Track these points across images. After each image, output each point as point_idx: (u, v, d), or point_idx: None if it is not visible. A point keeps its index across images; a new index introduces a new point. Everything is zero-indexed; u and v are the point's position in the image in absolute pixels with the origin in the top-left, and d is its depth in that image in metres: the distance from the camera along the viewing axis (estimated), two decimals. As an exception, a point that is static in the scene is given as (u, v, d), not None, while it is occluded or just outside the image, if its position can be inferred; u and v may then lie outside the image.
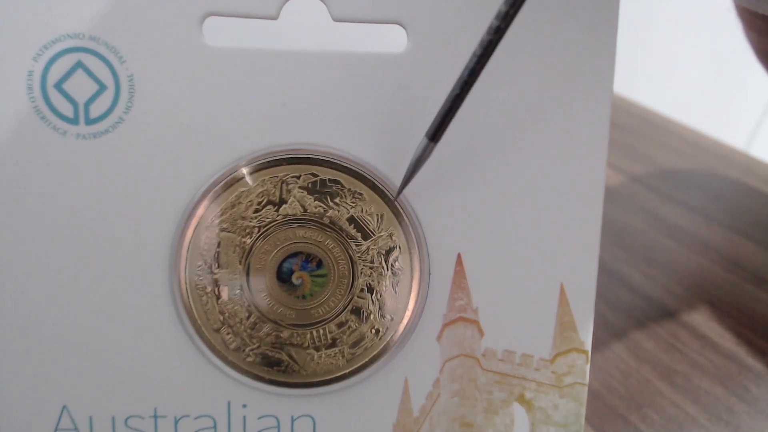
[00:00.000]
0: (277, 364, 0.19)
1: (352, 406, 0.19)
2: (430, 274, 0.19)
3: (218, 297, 0.18)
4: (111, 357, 0.18)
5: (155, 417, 0.19)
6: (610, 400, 0.27)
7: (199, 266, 0.18)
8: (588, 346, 0.20)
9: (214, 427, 0.19)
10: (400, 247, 0.19)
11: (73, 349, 0.18)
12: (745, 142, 1.02)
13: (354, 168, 0.18)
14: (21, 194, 0.18)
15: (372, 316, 0.19)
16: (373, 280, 0.19)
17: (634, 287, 0.33)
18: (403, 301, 0.19)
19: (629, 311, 0.32)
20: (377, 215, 0.19)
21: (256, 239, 0.18)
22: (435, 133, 0.17)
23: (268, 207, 0.18)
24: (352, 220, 0.19)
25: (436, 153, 0.18)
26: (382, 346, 0.19)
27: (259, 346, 0.19)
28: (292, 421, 0.19)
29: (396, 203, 0.19)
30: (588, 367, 0.20)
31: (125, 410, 0.19)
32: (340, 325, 0.19)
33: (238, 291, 0.19)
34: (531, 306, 0.19)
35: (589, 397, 0.21)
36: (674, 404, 0.27)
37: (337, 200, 0.19)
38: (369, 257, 0.19)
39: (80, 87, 0.17)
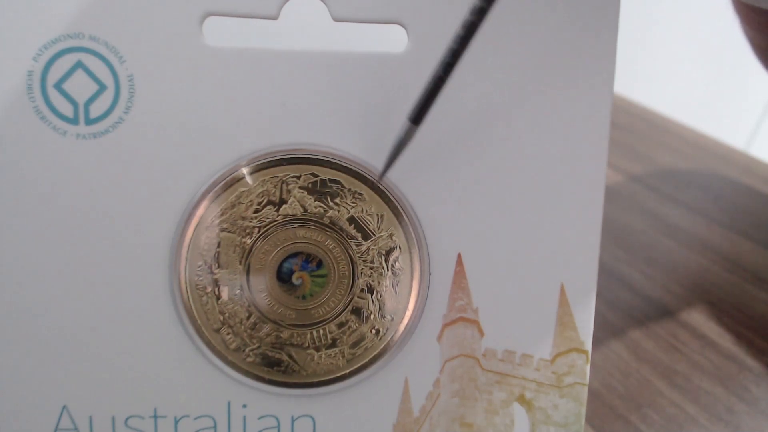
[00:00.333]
0: (277, 364, 0.19)
1: (352, 406, 0.19)
2: (430, 274, 0.19)
3: (218, 297, 0.18)
4: (111, 357, 0.18)
5: (155, 417, 0.19)
6: (610, 400, 0.27)
7: (199, 266, 0.18)
8: (588, 346, 0.20)
9: (214, 427, 0.19)
10: (400, 247, 0.19)
11: (73, 349, 0.18)
12: (745, 142, 1.02)
13: (354, 168, 0.18)
14: (21, 194, 0.18)
15: (372, 317, 0.19)
16: (373, 281, 0.19)
17: (634, 287, 0.33)
18: (403, 301, 0.19)
19: (629, 311, 0.32)
20: (377, 215, 0.19)
21: (256, 239, 0.18)
22: (417, 116, 0.17)
23: (269, 207, 0.18)
24: (352, 220, 0.19)
25: (437, 153, 0.18)
26: (382, 346, 0.19)
27: (259, 347, 0.19)
28: (292, 421, 0.19)
29: (396, 203, 0.19)
30: (588, 367, 0.20)
31: (125, 410, 0.19)
32: (340, 325, 0.19)
33: (238, 291, 0.19)
34: (531, 306, 0.19)
35: (589, 397, 0.21)
36: (674, 404, 0.27)
37: (337, 200, 0.19)
38: (369, 257, 0.19)
39: (80, 87, 0.17)
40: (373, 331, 0.19)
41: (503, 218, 0.19)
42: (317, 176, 0.18)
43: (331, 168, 0.18)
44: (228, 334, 0.19)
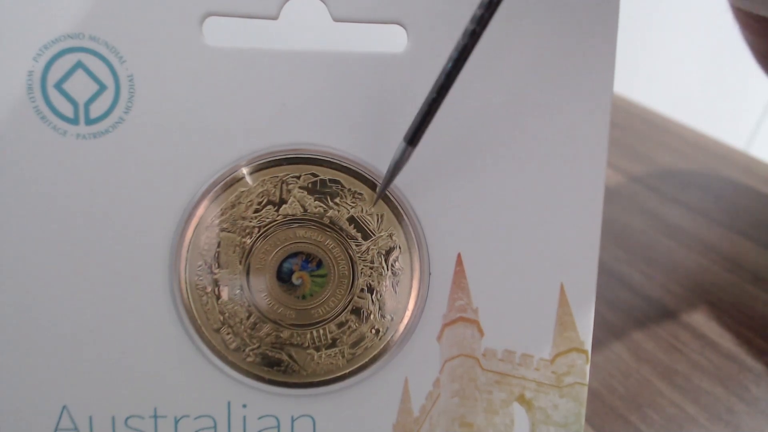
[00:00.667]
0: (277, 364, 0.19)
1: (352, 406, 0.19)
2: (430, 274, 0.19)
3: (218, 297, 0.18)
4: (111, 357, 0.18)
5: (155, 417, 0.19)
6: (610, 400, 0.27)
7: (199, 266, 0.18)
8: (588, 346, 0.20)
9: (214, 427, 0.19)
10: (400, 247, 0.19)
11: (73, 349, 0.18)
12: (745, 142, 1.02)
13: (354, 168, 0.18)
14: (21, 194, 0.18)
15: (372, 316, 0.19)
16: (373, 280, 0.19)
17: (634, 287, 0.33)
18: (403, 301, 0.19)
19: (629, 311, 0.32)
20: (377, 215, 0.19)
21: (256, 239, 0.18)
22: (413, 137, 0.17)
23: (268, 207, 0.18)
24: (352, 220, 0.19)
25: (437, 153, 0.18)
26: (382, 346, 0.19)
27: (259, 346, 0.19)
28: (292, 421, 0.19)
29: (396, 203, 0.19)
30: (588, 367, 0.20)
31: (125, 410, 0.19)
32: (340, 325, 0.19)
33: (238, 291, 0.19)
34: (531, 306, 0.19)
35: (589, 397, 0.21)
36: (674, 404, 0.27)
37: (337, 200, 0.19)
38: (369, 257, 0.19)
39: (80, 87, 0.17)
40: (373, 330, 0.19)
41: (503, 218, 0.19)
42: (317, 176, 0.18)
43: (331, 168, 0.18)
44: (228, 334, 0.19)
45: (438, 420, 0.20)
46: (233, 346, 0.19)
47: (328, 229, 0.19)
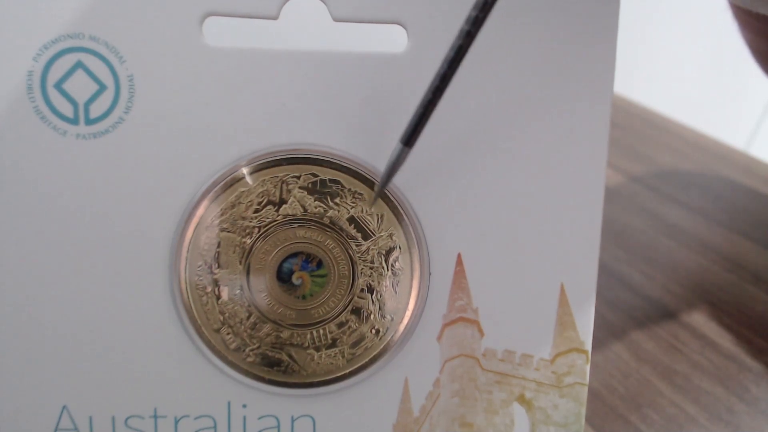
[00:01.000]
0: (277, 364, 0.19)
1: (352, 406, 0.19)
2: (430, 274, 0.19)
3: (218, 297, 0.18)
4: (111, 357, 0.18)
5: (155, 417, 0.19)
6: (610, 400, 0.27)
7: (199, 266, 0.18)
8: (588, 346, 0.20)
9: (214, 427, 0.19)
10: (400, 247, 0.19)
11: (73, 349, 0.18)
12: (745, 142, 1.02)
13: (354, 168, 0.18)
14: (21, 194, 0.18)
15: (372, 316, 0.19)
16: (373, 280, 0.19)
17: (634, 287, 0.33)
18: (403, 301, 0.19)
19: (629, 311, 0.32)
20: (377, 215, 0.19)
21: (256, 239, 0.18)
22: (409, 138, 0.17)
23: (268, 207, 0.18)
24: (352, 220, 0.19)
25: (436, 153, 0.18)
26: (382, 346, 0.19)
27: (259, 346, 0.19)
28: (292, 421, 0.19)
29: (396, 203, 0.19)
30: (588, 367, 0.20)
31: (125, 410, 0.19)
32: (340, 325, 0.19)
33: (238, 291, 0.19)
34: (531, 306, 0.19)
35: (589, 397, 0.21)
36: (674, 404, 0.27)
37: (337, 200, 0.19)
38: (369, 257, 0.19)
39: (80, 87, 0.17)
40: (373, 331, 0.19)
41: (503, 218, 0.19)
42: (317, 176, 0.18)
43: (331, 168, 0.18)
44: (228, 334, 0.19)
45: (438, 420, 0.20)
46: (233, 346, 0.19)
47: (328, 229, 0.19)
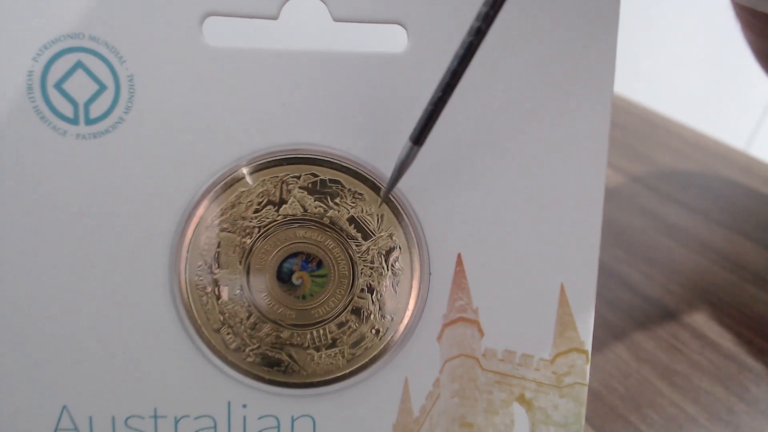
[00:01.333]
0: (277, 364, 0.19)
1: (352, 406, 0.19)
2: (430, 274, 0.19)
3: (218, 297, 0.18)
4: (111, 357, 0.18)
5: (155, 417, 0.19)
6: (610, 400, 0.27)
7: (199, 266, 0.18)
8: (588, 346, 0.20)
9: (214, 427, 0.19)
10: (400, 247, 0.19)
11: (73, 349, 0.18)
12: (745, 142, 1.02)
13: (354, 168, 0.18)
14: (21, 194, 0.18)
15: (372, 316, 0.19)
16: (373, 280, 0.19)
17: (634, 287, 0.33)
18: (403, 301, 0.19)
19: (629, 311, 0.32)
20: (377, 215, 0.19)
21: (256, 239, 0.18)
22: (419, 137, 0.17)
23: (269, 207, 0.18)
24: (352, 220, 0.19)
25: (436, 153, 0.18)
26: (382, 346, 0.19)
27: (259, 347, 0.19)
28: (292, 421, 0.19)
29: (396, 203, 0.19)
30: (588, 367, 0.20)
31: (125, 410, 0.19)
32: (340, 325, 0.19)
33: (238, 291, 0.19)
34: (531, 306, 0.19)
35: (589, 397, 0.21)
36: (674, 404, 0.27)
37: (337, 200, 0.19)
38: (369, 257, 0.19)
39: (80, 87, 0.17)
40: (373, 331, 0.19)
41: (503, 218, 0.19)
42: (317, 176, 0.18)
43: (331, 168, 0.18)
44: (228, 334, 0.19)
45: (438, 420, 0.20)
46: (233, 346, 0.19)
47: (328, 229, 0.19)
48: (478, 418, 0.20)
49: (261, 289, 0.19)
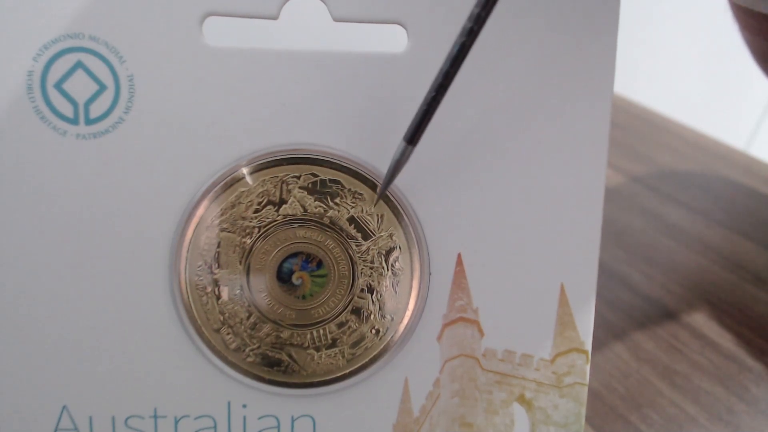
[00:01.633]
0: (277, 364, 0.19)
1: (352, 406, 0.19)
2: (430, 274, 0.19)
3: (218, 297, 0.18)
4: (111, 357, 0.18)
5: (155, 417, 0.19)
6: (610, 400, 0.27)
7: (199, 266, 0.18)
8: (588, 346, 0.20)
9: (214, 427, 0.19)
10: (400, 247, 0.19)
11: (73, 349, 0.18)
12: (745, 142, 1.02)
13: (354, 168, 0.18)
14: (21, 194, 0.18)
15: (372, 316, 0.19)
16: (373, 280, 0.19)
17: (634, 287, 0.33)
18: (403, 301, 0.19)
19: (629, 311, 0.32)
20: (377, 215, 0.19)
21: (256, 239, 0.18)
22: (413, 137, 0.17)
23: (269, 207, 0.18)
24: (352, 220, 0.19)
25: (437, 152, 0.18)
26: (382, 346, 0.19)
27: (259, 347, 0.19)
28: (292, 421, 0.19)
29: (396, 203, 0.19)
30: (588, 367, 0.20)
31: (125, 410, 0.19)
32: (340, 325, 0.19)
33: (238, 291, 0.19)
34: (531, 306, 0.19)
35: (589, 397, 0.21)
36: (674, 404, 0.27)
37: (337, 200, 0.19)
38: (369, 257, 0.19)
39: (80, 87, 0.17)
40: (373, 331, 0.19)
41: (503, 218, 0.19)
42: (317, 176, 0.18)
43: (331, 168, 0.18)
44: (228, 334, 0.19)
45: (438, 420, 0.20)
46: (233, 346, 0.19)
47: (328, 229, 0.19)
48: (478, 418, 0.20)
49: (261, 289, 0.19)
